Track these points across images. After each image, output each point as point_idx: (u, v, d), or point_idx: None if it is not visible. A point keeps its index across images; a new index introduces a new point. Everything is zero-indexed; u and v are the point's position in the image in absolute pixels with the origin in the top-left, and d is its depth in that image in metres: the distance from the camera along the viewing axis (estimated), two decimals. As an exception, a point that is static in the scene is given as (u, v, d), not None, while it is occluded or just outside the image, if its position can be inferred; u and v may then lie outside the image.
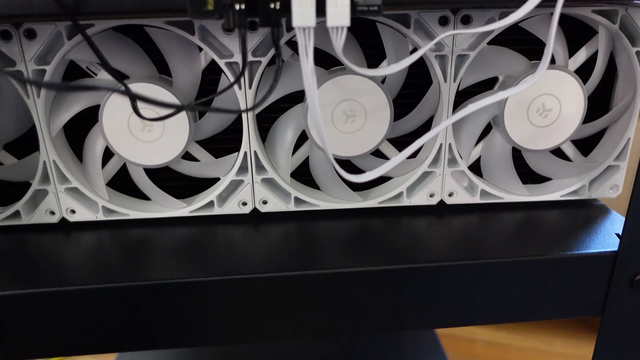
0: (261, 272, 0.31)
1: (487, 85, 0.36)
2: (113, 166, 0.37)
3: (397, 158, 0.28)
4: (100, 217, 0.36)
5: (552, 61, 0.35)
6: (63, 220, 0.37)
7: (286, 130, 0.36)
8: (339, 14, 0.24)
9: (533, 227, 0.36)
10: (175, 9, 0.24)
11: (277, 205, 0.37)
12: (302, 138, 0.36)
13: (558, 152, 0.38)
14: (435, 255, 0.32)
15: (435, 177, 0.37)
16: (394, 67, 0.27)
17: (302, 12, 0.23)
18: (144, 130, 0.34)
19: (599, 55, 0.35)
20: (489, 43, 0.34)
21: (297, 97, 0.35)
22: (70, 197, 0.36)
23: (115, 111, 0.33)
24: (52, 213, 0.36)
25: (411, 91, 0.36)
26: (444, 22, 0.32)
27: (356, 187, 0.38)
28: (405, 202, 0.38)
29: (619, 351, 0.34)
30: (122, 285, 0.30)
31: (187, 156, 0.36)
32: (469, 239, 0.34)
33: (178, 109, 0.24)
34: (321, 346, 0.64)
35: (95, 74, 0.34)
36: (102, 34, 0.32)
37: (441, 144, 0.36)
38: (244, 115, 0.34)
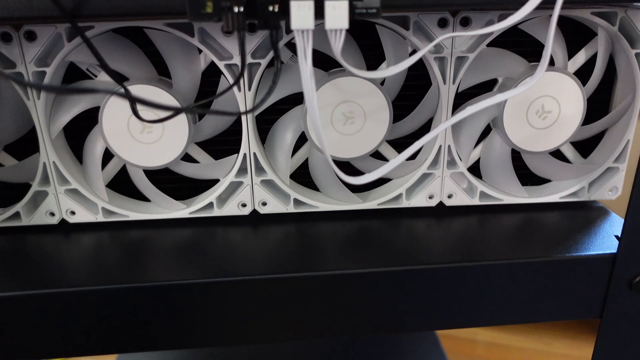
0: (261, 274, 0.31)
1: (486, 87, 0.36)
2: (113, 167, 0.37)
3: (396, 160, 0.28)
4: (100, 218, 0.36)
5: (552, 63, 0.35)
6: (63, 221, 0.37)
7: (285, 131, 0.36)
8: (338, 16, 0.24)
9: (532, 229, 0.36)
10: (174, 12, 0.25)
11: (276, 207, 0.37)
12: (302, 140, 0.36)
13: (557, 154, 0.38)
14: (435, 257, 0.32)
15: (435, 179, 0.37)
16: (393, 70, 0.27)
17: (301, 15, 0.23)
18: (143, 132, 0.34)
19: (598, 57, 0.35)
20: (488, 45, 0.34)
21: (297, 98, 0.35)
22: (70, 199, 0.36)
23: (115, 113, 0.33)
24: (52, 214, 0.36)
25: (410, 93, 0.36)
26: (443, 24, 0.32)
27: (355, 189, 0.38)
28: (405, 203, 0.38)
29: (618, 353, 0.34)
30: (122, 286, 0.30)
31: (186, 158, 0.36)
32: (468, 241, 0.34)
33: (176, 112, 0.24)
34: (321, 347, 0.64)
35: (96, 76, 0.34)
36: (102, 35, 0.32)
37: (440, 146, 0.36)
38: (243, 117, 0.34)
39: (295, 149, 0.37)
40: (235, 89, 0.33)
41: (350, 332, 0.33)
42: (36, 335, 0.31)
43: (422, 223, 0.37)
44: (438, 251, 0.33)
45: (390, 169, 0.28)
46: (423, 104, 0.36)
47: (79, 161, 0.37)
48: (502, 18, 0.32)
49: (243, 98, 0.33)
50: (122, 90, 0.28)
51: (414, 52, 0.34)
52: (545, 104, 0.35)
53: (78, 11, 0.24)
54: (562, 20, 0.34)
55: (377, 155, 0.37)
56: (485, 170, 0.38)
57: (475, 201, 0.38)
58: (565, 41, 0.35)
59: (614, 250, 0.32)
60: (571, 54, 0.36)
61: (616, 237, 0.34)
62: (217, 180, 0.37)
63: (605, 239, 0.33)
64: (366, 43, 0.34)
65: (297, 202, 0.37)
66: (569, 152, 0.39)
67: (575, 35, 0.35)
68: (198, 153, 0.37)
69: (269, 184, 0.37)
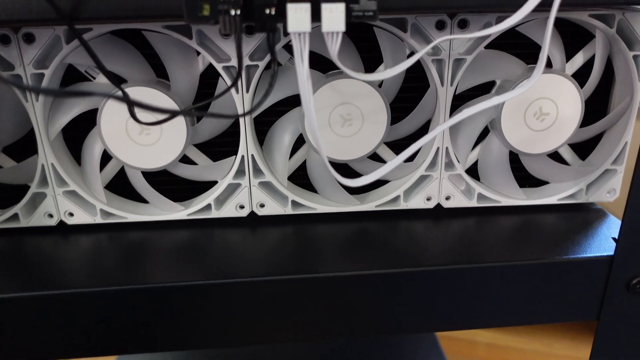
0: (259, 275, 0.31)
1: (484, 89, 0.36)
2: (111, 169, 0.37)
3: (393, 162, 0.28)
4: (98, 220, 0.37)
5: (550, 65, 0.35)
6: (61, 223, 0.37)
7: (283, 133, 0.36)
8: (334, 19, 0.24)
9: (530, 231, 0.36)
10: (171, 14, 0.25)
11: (274, 209, 0.37)
12: (300, 141, 0.36)
13: (555, 156, 0.38)
14: (433, 259, 0.32)
15: (432, 181, 0.37)
16: (390, 72, 0.27)
17: (298, 18, 0.23)
18: (141, 134, 0.34)
19: (596, 59, 0.35)
20: (486, 47, 0.34)
21: (295, 100, 0.35)
22: (69, 200, 0.36)
23: (113, 115, 0.33)
24: (51, 216, 0.36)
25: (409, 95, 0.36)
26: (440, 26, 0.32)
27: (353, 191, 0.38)
28: (403, 205, 0.38)
29: (615, 355, 0.34)
30: (121, 288, 0.30)
31: (185, 159, 0.36)
32: (466, 243, 0.34)
33: (173, 114, 0.24)
34: (320, 348, 0.64)
35: (94, 78, 0.34)
36: (100, 38, 0.32)
37: (438, 148, 0.36)
38: (241, 119, 0.34)
39: (294, 151, 0.37)
40: (233, 91, 0.33)
41: (348, 334, 0.33)
42: (35, 336, 0.31)
43: (420, 225, 0.37)
44: (436, 253, 0.33)
45: (387, 171, 0.28)
46: (421, 106, 0.36)
47: (77, 163, 0.37)
48: (499, 20, 0.32)
49: (241, 100, 0.34)
50: (120, 92, 0.28)
51: (411, 54, 0.34)
52: (543, 106, 0.35)
53: (75, 14, 0.24)
54: (560, 23, 0.34)
55: (375, 157, 0.37)
56: (483, 172, 0.38)
57: (473, 203, 0.38)
58: (563, 43, 0.35)
59: (611, 253, 0.32)
60: (569, 56, 0.36)
61: (613, 239, 0.34)
62: (215, 182, 0.37)
63: (603, 241, 0.33)
64: (365, 45, 0.34)
65: (295, 203, 0.37)
66: (567, 154, 0.39)
67: (573, 37, 0.35)
68: (196, 155, 0.37)
69: (266, 185, 0.37)
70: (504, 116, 0.35)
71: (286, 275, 0.31)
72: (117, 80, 0.28)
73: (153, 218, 0.37)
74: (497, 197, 0.38)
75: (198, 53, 0.33)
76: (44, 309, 0.30)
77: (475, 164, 0.38)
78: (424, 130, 0.37)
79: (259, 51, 0.33)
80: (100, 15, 0.24)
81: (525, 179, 0.39)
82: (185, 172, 0.36)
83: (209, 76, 0.34)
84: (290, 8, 0.23)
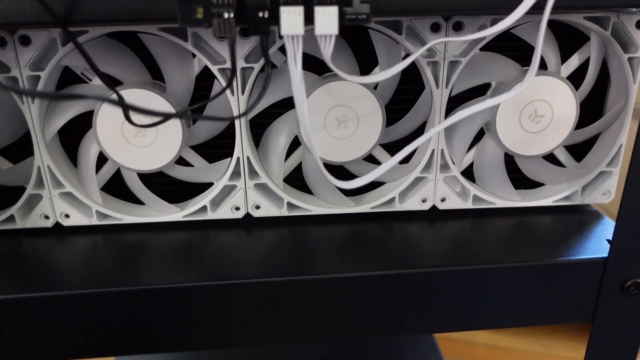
0: (255, 277, 0.31)
1: (480, 91, 0.36)
2: (107, 171, 0.37)
3: (386, 164, 0.28)
4: (94, 221, 0.37)
5: (545, 67, 0.35)
6: (57, 224, 0.37)
7: (279, 135, 0.36)
8: (327, 22, 0.24)
9: (525, 233, 0.36)
10: (165, 17, 0.25)
11: (269, 210, 0.37)
12: (296, 143, 0.36)
13: (551, 158, 0.38)
14: (428, 261, 0.32)
15: (428, 183, 0.37)
16: (383, 74, 0.27)
17: (291, 21, 0.24)
18: (137, 136, 0.34)
19: (591, 61, 0.35)
20: (481, 49, 0.34)
21: (290, 102, 0.35)
22: (65, 202, 0.36)
23: (108, 117, 0.33)
24: (47, 217, 0.36)
25: (404, 97, 0.36)
26: (435, 28, 0.33)
27: (349, 192, 0.38)
28: (398, 207, 0.38)
29: (609, 356, 0.34)
30: (117, 289, 0.31)
31: (180, 161, 0.36)
32: (461, 245, 0.34)
33: (166, 117, 0.24)
34: (317, 349, 0.64)
35: (90, 80, 0.34)
36: (96, 40, 0.32)
37: (433, 150, 0.36)
38: (236, 121, 0.34)
39: (290, 153, 0.37)
40: (228, 93, 0.33)
41: (344, 335, 0.33)
42: (31, 337, 0.31)
43: (415, 226, 0.37)
44: (432, 255, 0.33)
45: (381, 173, 0.28)
46: (416, 107, 0.36)
47: (73, 165, 0.37)
48: (494, 23, 0.32)
49: (236, 102, 0.34)
50: (115, 95, 0.28)
51: (407, 56, 0.34)
52: (538, 108, 0.35)
53: (69, 17, 0.24)
54: (555, 25, 0.34)
55: (371, 159, 0.37)
56: (478, 174, 0.38)
57: (469, 205, 0.38)
58: (558, 45, 0.35)
59: (606, 254, 0.32)
60: (565, 58, 0.36)
61: (608, 241, 0.34)
62: (211, 184, 0.37)
63: (598, 243, 0.34)
64: (361, 47, 0.34)
65: (290, 205, 0.37)
66: (563, 155, 0.39)
67: (568, 39, 0.36)
68: (192, 156, 0.37)
69: (262, 187, 0.37)
70: (499, 118, 0.35)
71: (282, 276, 0.31)
72: (112, 83, 0.28)
73: (149, 219, 0.37)
74: (492, 199, 0.38)
75: (194, 55, 0.34)
76: (40, 310, 0.30)
77: (471, 165, 0.38)
78: (419, 132, 0.37)
79: (254, 53, 0.33)
80: (94, 18, 0.24)
81: (521, 180, 0.39)
82: (181, 173, 0.36)
83: (205, 78, 0.34)
84: (284, 11, 0.23)
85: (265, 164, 0.37)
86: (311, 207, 0.37)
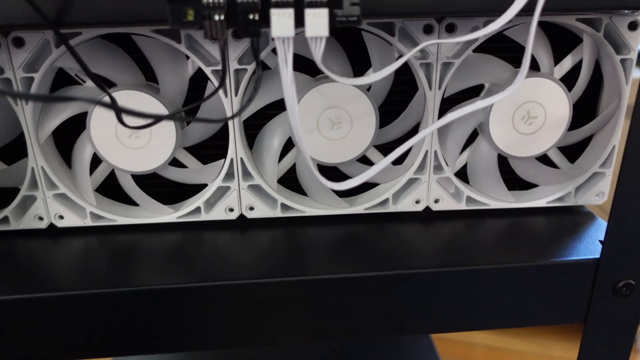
0: (248, 278, 0.31)
1: (473, 92, 0.36)
2: (101, 172, 0.37)
3: (378, 165, 0.28)
4: (88, 222, 0.37)
5: (538, 68, 0.35)
6: (51, 225, 0.37)
7: (273, 137, 0.36)
8: (318, 24, 0.24)
9: (518, 234, 0.36)
10: (156, 19, 0.25)
11: (263, 212, 0.37)
12: (290, 144, 0.37)
13: (544, 159, 0.38)
14: (421, 262, 0.32)
15: (421, 184, 0.37)
16: (375, 76, 0.27)
17: (281, 23, 0.24)
18: (131, 137, 0.34)
19: (583, 63, 0.35)
20: (474, 51, 0.34)
21: (284, 104, 0.35)
22: (59, 203, 0.36)
23: (102, 118, 0.33)
24: (41, 219, 0.36)
25: (398, 98, 0.36)
26: (428, 30, 0.33)
27: (342, 194, 0.38)
28: (392, 208, 0.38)
29: (602, 357, 0.34)
30: (110, 290, 0.31)
31: (174, 162, 0.36)
32: (454, 246, 0.35)
33: (157, 119, 0.25)
34: (313, 349, 0.64)
35: (84, 81, 0.34)
36: (89, 42, 0.32)
37: (427, 151, 0.36)
38: (230, 122, 0.34)
39: (284, 154, 0.37)
40: (222, 95, 0.33)
41: (339, 336, 0.33)
42: (24, 338, 0.31)
43: (409, 228, 0.37)
44: (425, 255, 0.33)
45: (373, 174, 0.28)
46: (410, 109, 0.36)
47: (67, 166, 0.37)
48: (487, 24, 0.32)
49: (230, 104, 0.34)
50: (108, 97, 0.28)
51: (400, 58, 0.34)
52: (531, 110, 0.35)
53: (60, 19, 0.24)
54: (548, 26, 0.35)
55: (365, 161, 0.37)
56: (472, 175, 0.38)
57: (462, 206, 0.38)
58: (551, 47, 0.35)
59: (598, 255, 0.32)
60: (558, 59, 0.36)
61: (600, 242, 0.34)
62: (204, 185, 0.37)
63: (590, 244, 0.34)
64: (355, 49, 0.34)
65: (284, 206, 0.37)
66: (556, 157, 0.39)
67: (562, 41, 0.36)
68: (186, 158, 0.37)
69: (256, 188, 0.37)
70: (493, 119, 0.35)
71: (276, 277, 0.31)
72: (105, 85, 0.29)
73: (143, 221, 0.37)
74: (485, 200, 0.38)
75: (188, 57, 0.34)
76: (34, 311, 0.30)
77: (464, 167, 0.38)
78: (413, 133, 0.37)
79: (247, 55, 0.33)
80: (85, 21, 0.24)
81: (514, 181, 0.39)
82: (175, 175, 0.36)
83: (199, 80, 0.34)
84: (274, 13, 0.23)
85: (259, 165, 0.37)
86: (305, 208, 0.37)
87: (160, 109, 0.33)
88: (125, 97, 0.33)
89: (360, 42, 0.34)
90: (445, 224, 0.37)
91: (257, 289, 0.31)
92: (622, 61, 0.34)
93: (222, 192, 0.37)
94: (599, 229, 0.36)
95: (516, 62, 0.35)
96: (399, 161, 0.37)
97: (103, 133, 0.34)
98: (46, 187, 0.35)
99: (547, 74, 0.35)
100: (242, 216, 0.37)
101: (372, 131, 0.35)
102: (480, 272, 0.32)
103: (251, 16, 0.24)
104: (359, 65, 0.35)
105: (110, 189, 0.38)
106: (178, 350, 0.33)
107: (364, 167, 0.37)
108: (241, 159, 0.35)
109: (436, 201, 0.38)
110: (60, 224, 0.37)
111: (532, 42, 0.25)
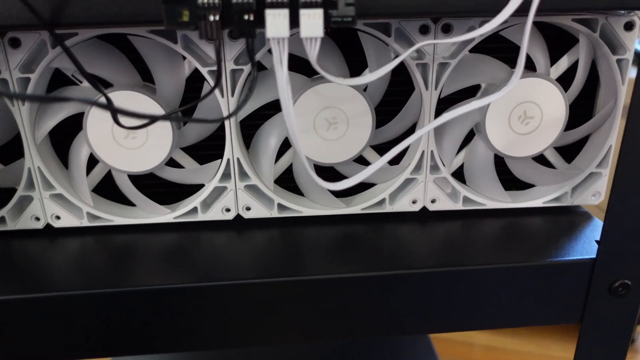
0: (245, 278, 0.31)
1: (470, 92, 0.36)
2: (98, 173, 0.37)
3: (374, 165, 0.28)
4: (85, 223, 0.37)
5: (534, 69, 0.35)
6: (48, 226, 0.37)
7: (269, 137, 0.36)
8: (313, 25, 0.24)
9: (515, 234, 0.36)
10: (151, 20, 0.25)
11: (260, 212, 0.37)
12: (287, 145, 0.37)
13: (541, 159, 0.38)
14: (418, 262, 0.32)
15: (418, 184, 0.37)
16: (370, 76, 0.27)
17: (276, 23, 0.24)
18: (128, 138, 0.34)
19: (579, 63, 0.35)
20: (471, 51, 0.34)
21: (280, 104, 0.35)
22: (55, 204, 0.36)
23: (99, 119, 0.33)
24: (37, 219, 0.36)
25: (394, 98, 0.36)
26: (424, 30, 0.33)
27: (339, 194, 0.38)
28: (388, 208, 0.38)
29: (598, 357, 0.34)
30: (107, 291, 0.31)
31: (171, 162, 0.36)
32: (450, 246, 0.35)
33: (153, 119, 0.25)
34: (312, 349, 0.64)
35: (81, 82, 0.35)
36: (86, 42, 0.32)
37: (423, 151, 0.36)
38: (226, 123, 0.34)
39: (280, 154, 0.37)
40: (218, 95, 0.33)
41: (336, 336, 0.33)
42: (21, 338, 0.31)
43: (406, 228, 0.37)
44: (422, 255, 0.33)
45: (369, 174, 0.28)
46: (406, 109, 0.36)
47: (64, 166, 0.37)
48: (483, 25, 0.32)
49: (226, 104, 0.34)
50: (104, 98, 0.28)
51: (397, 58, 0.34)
52: (528, 110, 0.35)
53: (56, 19, 0.24)
54: (544, 27, 0.35)
55: (362, 161, 0.37)
56: (468, 175, 0.38)
57: (459, 206, 0.38)
58: (547, 47, 0.35)
59: (594, 255, 0.32)
60: (554, 60, 0.36)
61: (596, 242, 0.34)
62: (201, 185, 0.37)
63: (586, 244, 0.34)
64: (352, 49, 0.34)
65: (280, 207, 0.37)
66: (553, 157, 0.39)
67: (558, 41, 0.36)
68: (183, 158, 0.37)
69: (252, 189, 0.37)
70: (489, 119, 0.35)
71: (272, 277, 0.31)
72: (100, 85, 0.29)
73: (140, 221, 0.37)
74: (482, 200, 0.38)
75: (184, 57, 0.34)
76: (30, 311, 0.30)
77: (461, 167, 0.38)
78: (409, 133, 0.37)
79: (243, 55, 0.33)
80: (80, 21, 0.24)
81: (511, 182, 0.39)
82: (172, 175, 0.37)
83: (196, 80, 0.34)
84: (269, 14, 0.23)
85: (255, 166, 0.37)
86: (302, 208, 0.37)
87: (156, 109, 0.33)
88: (122, 98, 0.33)
89: (357, 43, 0.34)
90: (442, 224, 0.37)
91: (254, 289, 0.31)
92: (618, 61, 0.35)
93: (218, 192, 0.37)
94: (595, 229, 0.36)
95: (513, 63, 0.35)
96: (395, 161, 0.38)
97: (100, 133, 0.34)
98: (43, 187, 0.35)
99: (543, 74, 0.35)
100: (238, 216, 0.37)
101: (368, 131, 0.35)
102: (477, 272, 0.32)
103: (246, 17, 0.24)
104: (356, 65, 0.35)
105: (107, 189, 0.38)
106: (176, 350, 0.33)
107: (360, 167, 0.37)
108: (238, 159, 0.35)
109: (433, 201, 0.38)
110: (57, 224, 0.37)
111: (528, 43, 0.25)
